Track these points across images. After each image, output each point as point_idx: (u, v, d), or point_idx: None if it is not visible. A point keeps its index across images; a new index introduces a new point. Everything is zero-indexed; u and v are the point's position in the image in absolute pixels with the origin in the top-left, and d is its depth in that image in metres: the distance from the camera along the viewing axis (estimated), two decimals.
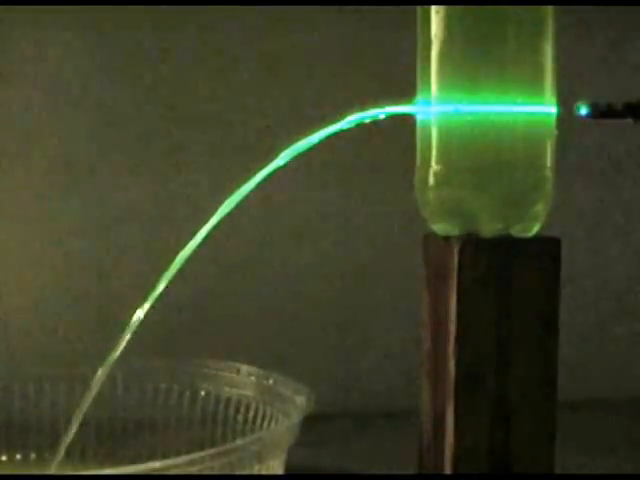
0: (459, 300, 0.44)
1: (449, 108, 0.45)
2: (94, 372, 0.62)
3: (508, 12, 0.45)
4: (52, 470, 0.54)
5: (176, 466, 0.43)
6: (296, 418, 0.50)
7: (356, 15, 0.76)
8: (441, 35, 0.46)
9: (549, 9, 0.46)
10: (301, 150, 0.47)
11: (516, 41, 0.45)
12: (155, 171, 0.75)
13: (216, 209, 0.48)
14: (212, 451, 0.45)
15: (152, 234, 0.75)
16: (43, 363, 0.62)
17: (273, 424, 0.56)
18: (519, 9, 0.45)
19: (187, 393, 0.61)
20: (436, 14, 0.46)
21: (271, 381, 0.57)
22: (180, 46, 0.75)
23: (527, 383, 0.45)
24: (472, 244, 0.45)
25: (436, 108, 0.46)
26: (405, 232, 0.59)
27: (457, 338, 0.45)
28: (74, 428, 0.54)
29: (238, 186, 0.48)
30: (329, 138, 0.47)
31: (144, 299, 0.51)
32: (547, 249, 0.46)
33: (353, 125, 0.47)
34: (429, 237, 0.48)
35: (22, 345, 0.72)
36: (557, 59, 0.46)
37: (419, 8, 0.47)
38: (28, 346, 0.72)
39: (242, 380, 0.59)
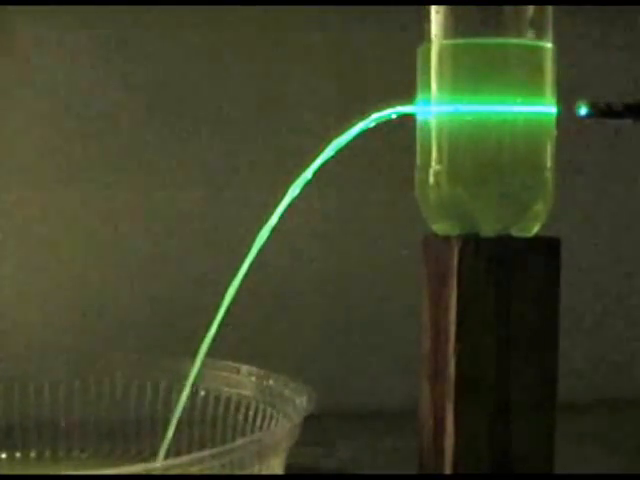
0: (459, 300, 0.44)
1: (449, 108, 0.45)
2: (93, 372, 0.62)
3: (508, 12, 0.45)
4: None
5: (176, 466, 0.43)
6: (296, 418, 0.50)
7: (356, 15, 0.76)
8: (441, 35, 0.46)
9: (549, 9, 0.46)
10: (342, 145, 0.47)
11: (516, 41, 0.45)
12: (162, 175, 0.76)
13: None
14: (212, 451, 0.45)
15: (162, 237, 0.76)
16: (44, 363, 0.62)
17: (273, 424, 0.55)
18: (519, 9, 0.45)
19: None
20: (436, 14, 0.46)
21: (271, 381, 0.57)
22: (181, 47, 0.75)
23: (527, 383, 0.45)
24: (472, 244, 0.45)
25: (436, 108, 0.46)
26: (405, 232, 0.59)
27: (457, 338, 0.45)
28: (171, 431, 0.54)
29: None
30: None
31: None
32: (547, 249, 0.46)
33: (372, 125, 0.47)
34: (429, 237, 0.48)
35: (22, 345, 0.72)
36: (557, 59, 0.46)
37: (420, 9, 0.47)
38: (28, 346, 0.72)
39: (242, 380, 0.59)
